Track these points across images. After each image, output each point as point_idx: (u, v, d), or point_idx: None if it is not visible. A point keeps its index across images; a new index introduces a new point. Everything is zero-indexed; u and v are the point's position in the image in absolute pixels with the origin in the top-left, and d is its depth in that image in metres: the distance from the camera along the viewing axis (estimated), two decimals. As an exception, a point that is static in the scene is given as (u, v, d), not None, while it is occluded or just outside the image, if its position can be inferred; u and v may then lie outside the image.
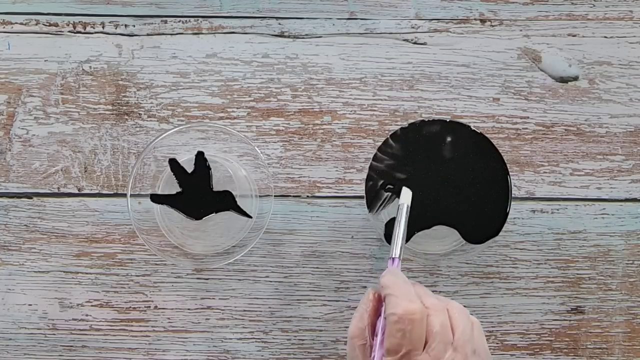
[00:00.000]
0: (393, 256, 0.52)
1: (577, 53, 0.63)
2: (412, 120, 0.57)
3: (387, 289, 0.47)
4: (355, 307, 0.61)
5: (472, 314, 0.49)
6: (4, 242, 0.62)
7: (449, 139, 0.56)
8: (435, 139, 0.56)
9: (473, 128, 0.56)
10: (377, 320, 0.48)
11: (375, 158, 0.56)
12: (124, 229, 0.62)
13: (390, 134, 0.57)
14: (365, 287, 0.62)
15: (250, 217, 0.60)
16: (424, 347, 0.45)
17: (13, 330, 0.62)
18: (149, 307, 0.62)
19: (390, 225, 0.56)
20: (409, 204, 0.54)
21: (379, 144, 0.57)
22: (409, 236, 0.56)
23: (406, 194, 0.55)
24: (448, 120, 0.57)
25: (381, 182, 0.56)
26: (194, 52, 0.63)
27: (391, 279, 0.48)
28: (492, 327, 0.62)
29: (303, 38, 0.63)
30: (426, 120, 0.57)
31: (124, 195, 0.62)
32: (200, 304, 0.62)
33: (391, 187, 0.56)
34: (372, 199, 0.56)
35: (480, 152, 0.56)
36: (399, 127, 0.57)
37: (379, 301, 0.49)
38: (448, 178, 0.56)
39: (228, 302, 0.62)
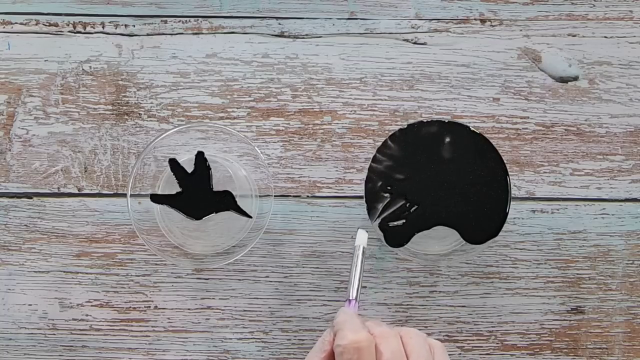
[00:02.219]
0: (349, 297, 0.53)
1: (577, 53, 0.63)
2: (412, 121, 0.57)
3: (337, 326, 0.48)
4: (355, 307, 0.62)
5: (431, 336, 0.50)
6: (4, 242, 0.62)
7: (448, 139, 0.56)
8: (434, 140, 0.56)
9: (472, 128, 0.56)
10: None
11: (374, 160, 0.56)
12: (124, 229, 0.62)
13: (389, 135, 0.57)
14: (365, 287, 0.62)
15: (250, 217, 0.60)
16: None
17: (13, 330, 0.62)
18: (149, 307, 0.62)
19: (390, 228, 0.56)
20: (365, 246, 0.55)
21: (379, 144, 0.57)
22: (409, 238, 0.56)
23: (361, 236, 0.55)
24: (447, 121, 0.57)
25: (380, 183, 0.56)
26: (194, 52, 0.63)
27: (343, 318, 0.49)
28: (492, 327, 0.62)
29: (303, 38, 0.63)
30: (425, 121, 0.57)
31: (124, 195, 0.62)
32: (200, 304, 0.62)
33: (390, 188, 0.56)
34: (372, 200, 0.56)
35: (479, 152, 0.56)
36: (398, 128, 0.57)
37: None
38: (447, 179, 0.56)
39: (228, 302, 0.62)
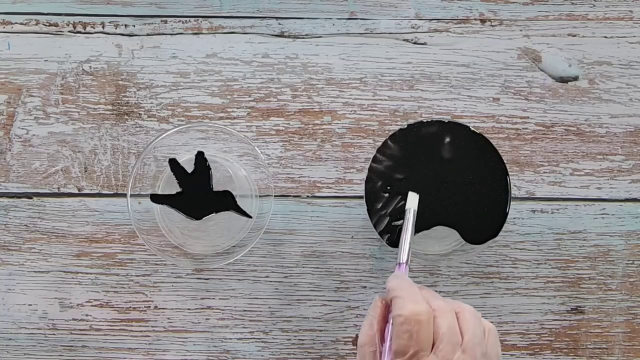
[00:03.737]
0: (400, 261, 0.52)
1: (577, 53, 0.63)
2: (412, 121, 0.57)
3: (393, 292, 0.47)
4: (356, 307, 0.62)
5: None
6: (4, 242, 0.62)
7: (447, 139, 0.56)
8: (434, 140, 0.56)
9: (472, 128, 0.56)
10: (386, 326, 0.48)
11: (374, 160, 0.56)
12: (124, 229, 0.62)
13: (389, 135, 0.57)
14: (365, 287, 0.62)
15: (250, 217, 0.60)
16: (432, 349, 0.45)
17: (13, 330, 0.62)
18: (149, 307, 0.62)
19: (390, 228, 0.56)
20: (416, 209, 0.54)
21: (379, 144, 0.57)
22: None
23: (413, 198, 0.55)
24: (447, 121, 0.57)
25: (380, 183, 0.56)
26: (194, 52, 0.63)
27: (397, 282, 0.48)
28: (492, 327, 0.62)
29: (303, 38, 0.63)
30: (425, 121, 0.57)
31: (124, 195, 0.62)
32: (200, 304, 0.62)
33: (390, 188, 0.56)
34: (372, 200, 0.56)
35: (479, 152, 0.56)
36: (398, 128, 0.57)
37: (387, 308, 0.49)
38: (447, 179, 0.56)
39: (228, 302, 0.62)
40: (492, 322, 0.61)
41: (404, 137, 0.57)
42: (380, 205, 0.56)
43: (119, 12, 0.63)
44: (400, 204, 0.56)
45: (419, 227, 0.56)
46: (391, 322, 0.47)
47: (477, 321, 0.47)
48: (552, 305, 0.62)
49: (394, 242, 0.56)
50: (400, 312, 0.46)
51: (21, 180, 0.62)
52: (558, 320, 0.62)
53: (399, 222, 0.56)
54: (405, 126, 0.57)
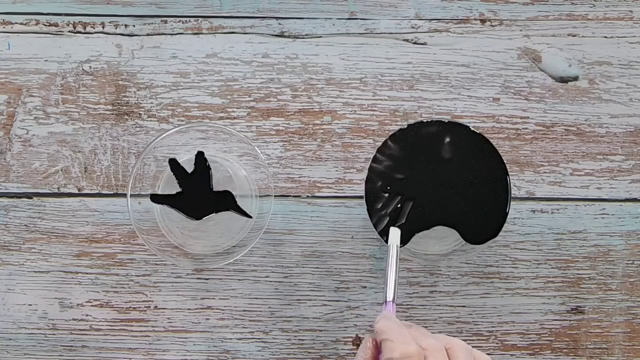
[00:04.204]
0: (387, 300, 0.51)
1: (577, 53, 0.63)
2: (412, 121, 0.57)
3: (382, 334, 0.47)
4: (356, 307, 0.62)
5: (476, 348, 0.48)
6: (4, 242, 0.62)
7: (447, 139, 0.56)
8: (434, 140, 0.56)
9: (472, 128, 0.56)
10: None
11: (374, 160, 0.56)
12: (124, 229, 0.62)
13: (389, 135, 0.57)
14: (365, 287, 0.62)
15: (250, 217, 0.60)
16: None
17: (13, 330, 0.62)
18: (149, 307, 0.62)
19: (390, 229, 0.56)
20: (399, 244, 0.54)
21: (379, 144, 0.57)
22: (409, 238, 0.56)
23: (394, 234, 0.54)
24: (446, 121, 0.57)
25: (380, 183, 0.56)
26: (194, 52, 0.63)
27: (385, 324, 0.48)
28: (492, 327, 0.62)
29: (303, 38, 0.63)
30: (425, 121, 0.57)
31: (124, 195, 0.62)
32: (200, 304, 0.62)
33: (390, 188, 0.56)
34: (372, 201, 0.56)
35: (479, 152, 0.56)
36: (398, 128, 0.57)
37: (377, 349, 0.48)
38: (447, 179, 0.56)
39: (228, 302, 0.62)
40: (492, 322, 0.61)
41: (404, 137, 0.57)
42: (380, 205, 0.56)
43: (119, 12, 0.63)
44: (400, 203, 0.56)
45: (418, 228, 0.56)
46: None
47: (468, 355, 0.47)
48: (552, 305, 0.62)
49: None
50: (391, 356, 0.45)
51: (21, 180, 0.62)
52: (558, 320, 0.62)
53: (398, 223, 0.56)
54: (406, 126, 0.57)
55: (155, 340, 0.62)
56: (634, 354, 0.62)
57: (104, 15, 0.63)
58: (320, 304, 0.62)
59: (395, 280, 0.52)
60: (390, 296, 0.51)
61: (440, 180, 0.56)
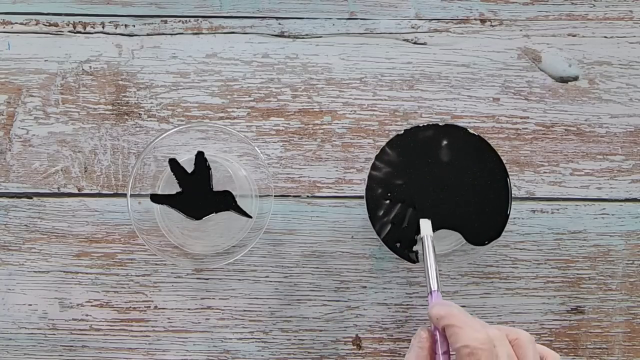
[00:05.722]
0: (432, 289, 0.51)
1: (577, 53, 0.63)
2: (408, 126, 0.57)
3: (445, 320, 0.46)
4: (356, 307, 0.62)
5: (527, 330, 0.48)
6: (4, 242, 0.62)
7: (445, 142, 0.56)
8: (432, 144, 0.56)
9: (471, 131, 0.56)
10: (435, 358, 0.47)
11: (373, 167, 0.56)
12: (124, 229, 0.62)
13: (386, 142, 0.57)
14: (365, 287, 0.62)
15: (250, 217, 0.60)
16: None
17: (13, 330, 0.62)
18: (149, 307, 0.62)
19: (393, 236, 0.55)
20: (431, 234, 0.54)
21: (379, 144, 0.57)
22: (412, 240, 0.56)
23: (425, 225, 0.55)
24: (442, 124, 0.57)
25: (380, 190, 0.56)
26: (194, 52, 0.63)
27: (447, 310, 0.47)
28: (492, 327, 0.62)
29: (303, 38, 0.63)
30: (421, 125, 0.56)
31: (124, 195, 0.62)
32: (200, 304, 0.62)
33: (390, 195, 0.56)
34: (373, 208, 0.56)
35: (477, 154, 0.56)
36: (395, 134, 0.57)
37: (433, 338, 0.48)
38: (447, 182, 0.56)
39: (228, 302, 0.62)
40: (492, 322, 0.61)
41: (401, 142, 0.57)
42: (382, 212, 0.56)
43: (119, 12, 0.63)
44: (402, 209, 0.56)
45: (420, 231, 0.56)
46: (441, 351, 0.46)
47: (532, 346, 0.46)
48: (552, 305, 0.62)
49: (397, 250, 0.56)
50: (467, 343, 0.44)
51: (21, 180, 0.62)
52: (558, 320, 0.62)
53: (401, 227, 0.56)
54: (402, 132, 0.57)
55: (155, 340, 0.62)
56: (634, 354, 0.62)
57: (104, 15, 0.63)
58: (320, 304, 0.62)
59: (436, 270, 0.51)
60: (434, 286, 0.51)
61: (441, 184, 0.56)
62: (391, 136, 0.57)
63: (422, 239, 0.54)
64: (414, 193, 0.56)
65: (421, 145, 0.56)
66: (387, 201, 0.56)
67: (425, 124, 0.57)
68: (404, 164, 0.56)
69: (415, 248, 0.56)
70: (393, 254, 0.56)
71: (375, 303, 0.62)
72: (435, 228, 0.56)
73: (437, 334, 0.47)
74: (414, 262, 0.56)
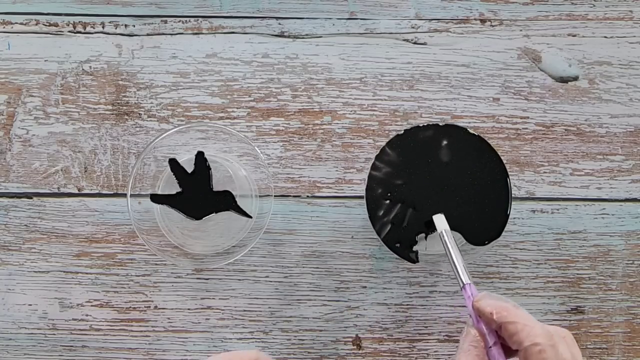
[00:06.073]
0: (465, 282, 0.51)
1: (577, 53, 0.63)
2: (408, 127, 0.57)
3: (503, 316, 0.46)
4: (356, 307, 0.62)
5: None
6: (4, 242, 0.62)
7: (445, 142, 0.56)
8: (432, 144, 0.56)
9: (472, 131, 0.56)
10: (489, 352, 0.47)
11: (373, 167, 0.56)
12: (124, 229, 0.62)
13: (386, 142, 0.57)
14: (365, 287, 0.62)
15: (250, 217, 0.60)
16: None
17: (13, 330, 0.62)
18: (149, 307, 0.62)
19: (393, 236, 0.55)
20: (448, 228, 0.54)
21: (379, 144, 0.57)
22: (411, 240, 0.56)
23: (440, 220, 0.55)
24: (442, 124, 0.57)
25: (381, 190, 0.56)
26: (194, 52, 0.63)
27: (501, 304, 0.47)
28: (492, 327, 0.62)
29: (303, 38, 0.63)
30: (421, 125, 0.56)
31: (124, 195, 0.62)
32: (200, 304, 0.62)
33: (390, 195, 0.56)
34: (374, 208, 0.56)
35: (477, 154, 0.56)
36: (395, 134, 0.57)
37: (483, 334, 0.48)
38: (447, 182, 0.56)
39: (228, 302, 0.62)
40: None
41: (401, 142, 0.57)
42: (382, 212, 0.56)
43: (119, 12, 0.63)
44: (402, 209, 0.56)
45: (421, 230, 0.56)
46: (493, 347, 0.46)
47: (575, 343, 0.47)
48: (552, 305, 0.62)
49: (398, 250, 0.56)
50: (537, 341, 0.45)
51: (21, 180, 0.62)
52: (558, 320, 0.62)
53: (401, 227, 0.56)
54: (402, 132, 0.57)
55: (155, 340, 0.62)
56: (634, 354, 0.62)
57: (104, 15, 0.63)
58: (320, 304, 0.62)
59: (463, 262, 0.52)
60: (466, 279, 0.51)
61: (441, 184, 0.56)
62: (391, 136, 0.57)
63: (440, 235, 0.54)
64: (414, 193, 0.56)
65: (421, 145, 0.57)
66: (387, 201, 0.56)
67: (425, 124, 0.57)
68: (404, 164, 0.56)
69: (415, 248, 0.56)
70: (393, 254, 0.56)
71: (375, 303, 0.62)
72: (435, 229, 0.56)
73: (483, 327, 0.47)
74: (414, 262, 0.56)
